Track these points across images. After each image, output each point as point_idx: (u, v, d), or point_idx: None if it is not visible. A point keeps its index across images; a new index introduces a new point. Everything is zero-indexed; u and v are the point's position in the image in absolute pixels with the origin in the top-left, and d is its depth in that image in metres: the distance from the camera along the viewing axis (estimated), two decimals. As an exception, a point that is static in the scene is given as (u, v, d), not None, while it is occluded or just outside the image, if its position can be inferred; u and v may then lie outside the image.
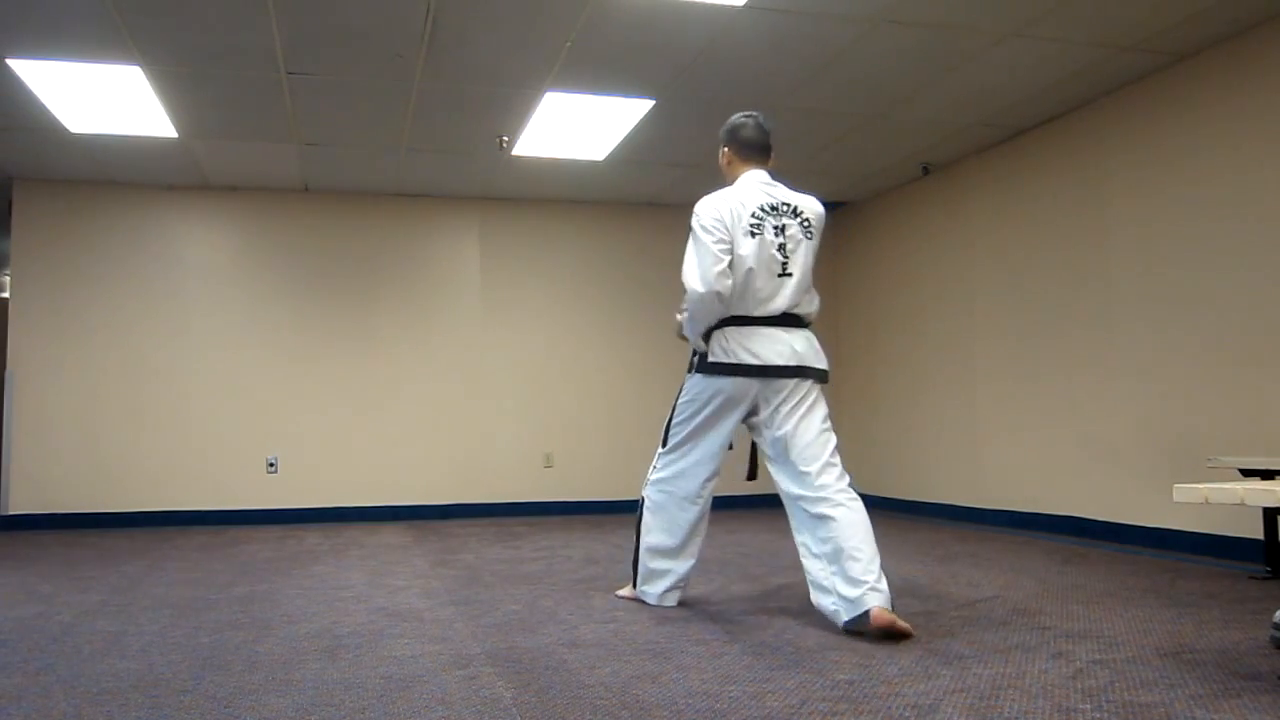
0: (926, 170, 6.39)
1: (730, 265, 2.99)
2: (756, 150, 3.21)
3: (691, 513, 3.22)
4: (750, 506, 7.16)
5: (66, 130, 5.39)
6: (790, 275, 3.04)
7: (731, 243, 2.99)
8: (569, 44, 4.34)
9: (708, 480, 3.22)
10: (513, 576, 4.01)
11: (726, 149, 3.27)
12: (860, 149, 5.96)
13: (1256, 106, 4.18)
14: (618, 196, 7.08)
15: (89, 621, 3.13)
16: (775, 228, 3.04)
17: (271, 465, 6.66)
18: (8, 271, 7.15)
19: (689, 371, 3.19)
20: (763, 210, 3.05)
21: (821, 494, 2.93)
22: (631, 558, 3.37)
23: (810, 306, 3.13)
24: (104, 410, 6.44)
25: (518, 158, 6.07)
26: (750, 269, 2.99)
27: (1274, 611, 2.67)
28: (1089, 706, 2.04)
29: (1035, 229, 5.51)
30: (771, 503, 7.42)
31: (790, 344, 3.03)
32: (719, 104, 5.13)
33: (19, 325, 6.38)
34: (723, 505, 7.05)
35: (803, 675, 2.33)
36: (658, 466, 3.30)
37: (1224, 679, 2.25)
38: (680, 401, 3.22)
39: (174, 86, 4.78)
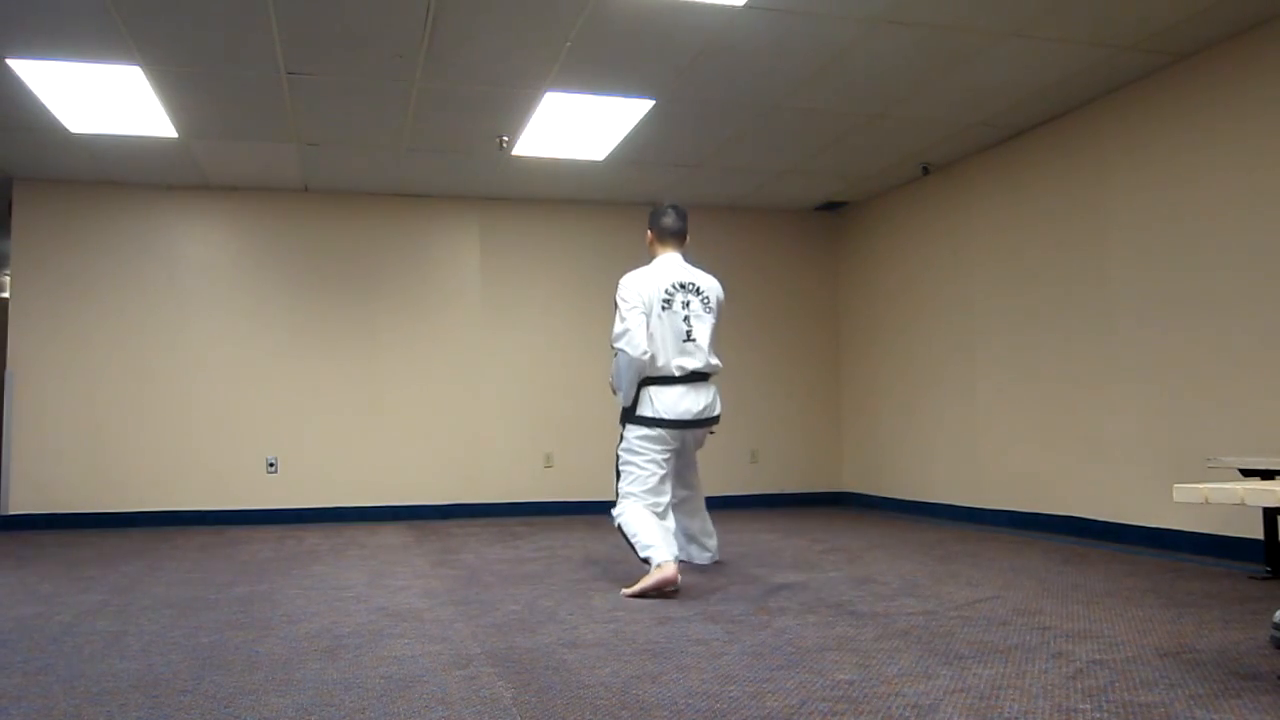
0: (926, 170, 6.39)
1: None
2: (672, 236, 3.93)
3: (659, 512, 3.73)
4: (750, 506, 7.16)
5: (66, 130, 5.39)
6: (694, 341, 3.72)
7: (649, 314, 3.66)
8: (569, 44, 4.34)
9: (662, 487, 3.76)
10: (513, 576, 4.01)
11: (650, 231, 3.97)
12: (860, 149, 5.96)
13: (1256, 106, 4.18)
14: (618, 196, 7.08)
15: (89, 621, 3.13)
16: (682, 303, 3.74)
17: (271, 465, 6.66)
18: (8, 271, 7.15)
19: (621, 423, 3.83)
20: (672, 287, 3.75)
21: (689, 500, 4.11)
22: (634, 554, 3.64)
23: (714, 366, 3.77)
24: (104, 410, 6.44)
25: (518, 158, 6.07)
26: (663, 337, 3.67)
27: (1274, 611, 2.67)
28: (1089, 706, 2.04)
29: (1035, 229, 5.51)
30: (771, 503, 7.43)
31: (697, 399, 3.71)
32: (719, 104, 5.14)
33: (19, 325, 6.38)
34: (722, 505, 7.11)
35: (803, 675, 2.33)
36: (623, 493, 3.76)
37: (1224, 679, 2.25)
38: (621, 449, 3.80)
39: (174, 86, 4.78)
